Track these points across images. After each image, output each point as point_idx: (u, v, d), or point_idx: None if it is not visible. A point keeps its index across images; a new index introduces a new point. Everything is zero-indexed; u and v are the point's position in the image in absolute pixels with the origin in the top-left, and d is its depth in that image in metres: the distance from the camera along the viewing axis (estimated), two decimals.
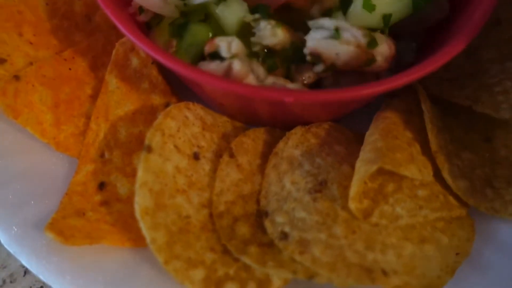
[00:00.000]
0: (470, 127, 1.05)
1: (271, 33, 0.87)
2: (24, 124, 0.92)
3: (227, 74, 0.85)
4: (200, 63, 0.88)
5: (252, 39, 0.88)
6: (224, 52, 0.85)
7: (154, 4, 0.90)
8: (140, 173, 0.82)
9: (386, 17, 0.92)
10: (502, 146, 1.01)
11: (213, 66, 0.85)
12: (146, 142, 0.85)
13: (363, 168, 0.84)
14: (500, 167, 0.98)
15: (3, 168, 0.92)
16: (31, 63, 1.01)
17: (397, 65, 1.02)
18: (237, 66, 0.84)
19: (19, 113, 0.92)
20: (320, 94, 0.81)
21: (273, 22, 0.88)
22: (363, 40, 0.85)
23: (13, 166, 0.93)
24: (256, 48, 0.88)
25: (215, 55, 0.87)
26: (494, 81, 1.05)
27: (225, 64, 0.85)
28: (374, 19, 0.91)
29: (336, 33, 0.84)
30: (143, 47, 0.83)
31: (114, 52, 0.99)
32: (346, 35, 0.85)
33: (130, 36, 0.82)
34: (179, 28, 0.92)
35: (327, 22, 0.85)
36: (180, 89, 1.04)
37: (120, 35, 1.06)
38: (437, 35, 1.05)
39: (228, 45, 0.86)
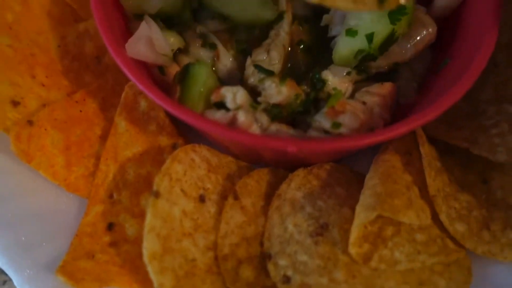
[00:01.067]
0: (468, 167, 1.08)
1: (277, 92, 0.91)
2: (37, 168, 0.96)
3: (232, 123, 0.89)
4: (206, 111, 0.92)
5: (259, 98, 0.92)
6: (229, 103, 0.89)
7: (146, 56, 0.95)
8: (148, 219, 0.85)
9: (369, 37, 0.98)
10: (499, 188, 1.04)
11: (219, 115, 0.89)
12: (154, 187, 0.88)
13: (363, 214, 0.87)
14: (496, 209, 1.01)
15: (16, 209, 0.96)
16: (43, 105, 1.05)
17: (398, 104, 1.06)
18: (242, 117, 0.87)
19: (32, 157, 0.95)
20: (322, 143, 0.84)
21: (277, 80, 0.92)
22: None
23: (25, 207, 0.97)
24: (262, 106, 0.92)
25: (221, 105, 0.90)
26: (491, 122, 1.08)
27: (230, 114, 0.89)
28: (359, 42, 0.99)
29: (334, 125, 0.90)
30: (149, 94, 0.86)
31: (123, 95, 1.03)
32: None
33: (136, 82, 0.86)
34: (181, 73, 0.96)
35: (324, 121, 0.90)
36: (186, 129, 1.08)
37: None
38: (438, 76, 1.09)
39: (234, 96, 0.89)
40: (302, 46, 1.11)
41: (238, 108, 0.89)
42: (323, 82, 0.97)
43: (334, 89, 0.97)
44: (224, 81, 1.08)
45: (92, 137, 1.04)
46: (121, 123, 1.02)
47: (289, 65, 1.11)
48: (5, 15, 1.10)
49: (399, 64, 1.07)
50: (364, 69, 1.05)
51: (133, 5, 1.01)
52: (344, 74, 0.97)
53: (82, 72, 1.12)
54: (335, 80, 0.97)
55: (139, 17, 1.03)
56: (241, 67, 1.09)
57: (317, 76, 0.97)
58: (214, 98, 0.91)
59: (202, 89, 0.93)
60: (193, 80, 0.94)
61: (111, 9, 1.00)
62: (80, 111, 1.04)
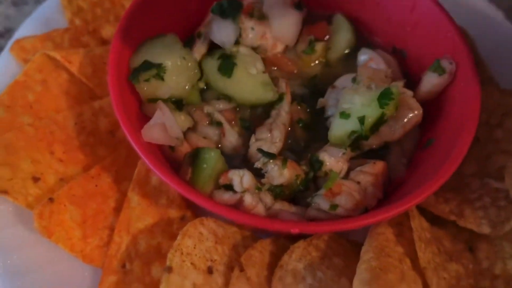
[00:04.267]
0: (456, 236, 1.16)
1: (279, 174, 1.01)
2: (56, 241, 1.03)
3: (239, 204, 0.97)
4: (215, 192, 1.00)
5: (263, 180, 1.01)
6: (237, 186, 0.98)
7: (160, 140, 1.04)
8: None
9: (361, 119, 1.07)
10: (484, 258, 1.12)
11: (227, 197, 0.98)
12: (168, 263, 0.95)
13: None
14: (482, 278, 1.09)
15: (33, 281, 1.02)
16: (61, 179, 1.13)
17: (389, 179, 1.15)
18: (248, 199, 0.96)
19: (52, 232, 1.02)
20: (322, 226, 0.93)
21: (279, 163, 1.02)
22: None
23: (44, 277, 1.03)
24: (266, 187, 1.01)
25: (229, 186, 0.99)
26: (475, 196, 1.17)
27: (237, 196, 0.98)
28: (352, 123, 1.08)
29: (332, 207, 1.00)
30: (166, 180, 0.95)
31: (136, 171, 1.11)
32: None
33: (154, 169, 0.95)
34: (192, 155, 1.05)
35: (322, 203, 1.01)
36: None
37: None
38: (426, 153, 1.19)
39: (240, 180, 0.99)
40: (300, 124, 1.21)
41: (244, 190, 0.98)
42: (321, 163, 1.06)
43: (330, 170, 1.06)
44: (229, 155, 1.17)
45: (106, 210, 1.11)
46: (134, 198, 1.10)
47: (289, 141, 1.21)
48: (26, 95, 1.19)
49: (389, 142, 1.17)
50: (357, 147, 1.14)
51: (147, 92, 1.11)
52: (340, 155, 1.07)
53: (97, 146, 1.20)
54: (332, 160, 1.06)
55: (152, 100, 1.12)
56: (246, 142, 1.19)
57: (314, 158, 1.06)
58: (222, 181, 1.00)
59: (211, 172, 1.02)
60: (203, 163, 1.03)
61: (127, 92, 1.10)
62: (96, 185, 1.11)
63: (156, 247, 1.09)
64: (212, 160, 1.02)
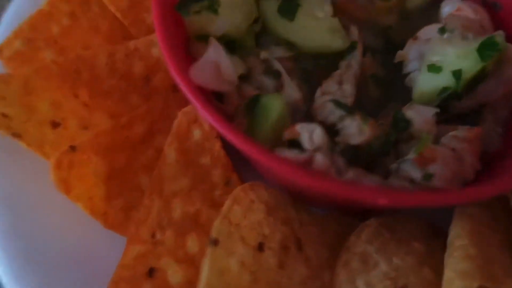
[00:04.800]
0: None
1: (358, 131, 0.79)
2: (75, 200, 0.84)
3: (307, 165, 0.77)
4: (277, 149, 0.79)
5: (337, 138, 0.80)
6: (306, 143, 0.78)
7: (212, 83, 0.84)
8: (205, 272, 0.73)
9: (456, 73, 0.87)
10: None
11: (293, 155, 0.77)
12: (213, 234, 0.76)
13: (459, 282, 0.73)
14: None
15: (46, 249, 0.84)
16: (84, 127, 0.94)
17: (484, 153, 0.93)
18: (320, 160, 0.76)
19: (71, 188, 0.83)
20: (415, 197, 0.72)
21: (358, 118, 0.80)
22: None
23: (57, 246, 0.85)
24: (340, 147, 0.80)
25: (295, 143, 0.78)
26: None
27: (306, 155, 0.77)
28: (444, 78, 0.89)
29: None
30: (218, 126, 0.75)
31: (176, 123, 0.92)
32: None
33: (206, 114, 0.75)
34: (250, 103, 0.85)
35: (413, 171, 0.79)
36: (238, 164, 0.96)
37: (179, 101, 0.99)
38: None
39: (310, 135, 0.78)
40: (374, 80, 0.99)
41: (315, 149, 0.77)
42: (407, 123, 0.85)
43: (419, 131, 0.84)
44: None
45: (137, 166, 0.93)
46: (171, 154, 0.91)
47: (360, 99, 0.99)
48: (51, 27, 1.01)
49: (484, 106, 0.95)
50: (445, 109, 0.93)
51: (198, 26, 0.91)
52: (431, 115, 0.85)
53: (129, 93, 1.01)
54: (421, 120, 0.85)
55: (202, 38, 0.92)
56: (307, 97, 0.98)
57: (399, 116, 0.85)
58: (287, 135, 0.80)
59: (275, 124, 0.81)
60: (264, 113, 0.83)
61: (173, 27, 0.90)
62: (126, 137, 0.92)
63: (194, 216, 0.89)
64: (276, 109, 0.82)
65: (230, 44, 0.97)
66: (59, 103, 0.93)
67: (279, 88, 0.98)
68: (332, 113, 0.85)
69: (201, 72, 0.82)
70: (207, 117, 0.75)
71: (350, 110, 0.84)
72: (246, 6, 0.98)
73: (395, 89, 1.02)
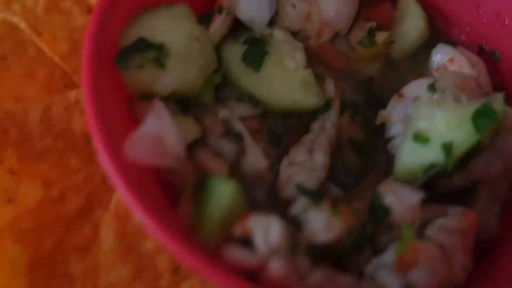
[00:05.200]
0: None
1: (325, 227, 0.65)
2: None
3: (261, 270, 0.62)
4: (226, 247, 0.65)
5: (300, 234, 0.66)
6: (259, 243, 0.63)
7: (152, 158, 0.70)
8: None
9: (446, 147, 0.74)
10: None
11: (243, 257, 0.63)
12: None
13: None
14: None
15: None
16: (9, 201, 0.79)
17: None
18: (277, 267, 0.61)
19: None
20: None
21: (327, 208, 0.66)
22: None
23: None
24: (304, 246, 0.66)
25: (247, 241, 0.64)
26: None
27: (260, 258, 0.63)
28: (431, 152, 0.75)
29: None
30: (145, 221, 0.61)
31: (115, 199, 0.77)
32: None
33: (121, 190, 0.61)
34: (194, 187, 0.71)
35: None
36: None
37: None
38: None
39: (265, 233, 0.63)
40: (353, 145, 0.86)
41: (271, 251, 0.63)
42: (387, 210, 0.71)
43: (401, 221, 0.71)
44: (250, 182, 0.83)
45: (68, 250, 0.78)
46: (109, 237, 0.76)
47: (335, 167, 0.86)
48: None
49: (478, 182, 0.82)
50: (432, 186, 0.79)
51: (140, 83, 0.76)
52: (415, 201, 0.71)
53: (67, 155, 0.87)
54: (403, 208, 0.71)
55: (147, 97, 0.78)
56: (274, 164, 0.85)
57: (378, 201, 0.71)
58: (238, 231, 0.65)
59: (222, 215, 0.67)
60: (211, 200, 0.68)
61: (109, 83, 0.75)
62: (57, 214, 0.78)
63: None
64: (224, 197, 0.67)
65: (183, 102, 0.83)
66: None
67: (241, 154, 0.84)
68: (293, 196, 0.71)
69: (138, 146, 0.68)
70: (133, 209, 0.61)
71: (316, 197, 0.70)
72: (202, 56, 0.83)
73: (376, 155, 0.89)
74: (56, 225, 0.78)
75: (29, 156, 0.84)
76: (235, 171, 0.83)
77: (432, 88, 0.86)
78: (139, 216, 0.61)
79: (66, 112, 0.88)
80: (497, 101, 0.76)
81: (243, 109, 0.86)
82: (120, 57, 0.75)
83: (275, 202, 0.82)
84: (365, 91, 0.95)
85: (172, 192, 0.78)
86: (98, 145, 0.65)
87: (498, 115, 0.74)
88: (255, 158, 0.83)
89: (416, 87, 0.89)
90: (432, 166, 0.75)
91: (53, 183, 0.84)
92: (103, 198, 0.84)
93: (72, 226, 0.80)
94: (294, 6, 0.92)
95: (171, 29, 0.81)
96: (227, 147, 0.83)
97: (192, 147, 0.82)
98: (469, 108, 0.76)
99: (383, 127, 0.89)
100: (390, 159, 0.84)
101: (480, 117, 0.74)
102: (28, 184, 0.83)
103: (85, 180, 0.84)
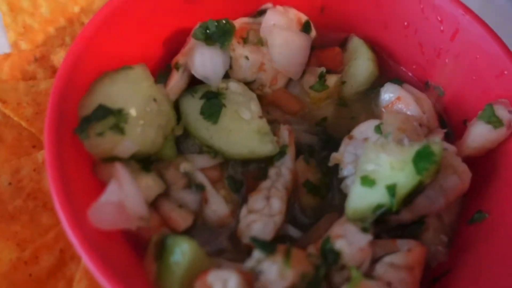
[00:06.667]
0: None
1: (279, 276, 0.71)
2: None
3: None
4: None
5: (256, 284, 0.71)
6: None
7: (116, 224, 0.74)
8: None
9: (391, 189, 0.79)
10: None
11: None
12: None
13: None
14: None
15: None
16: None
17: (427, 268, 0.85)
18: None
19: None
20: None
21: (280, 259, 0.72)
22: None
23: None
24: None
25: None
26: None
27: None
28: (377, 194, 0.80)
29: None
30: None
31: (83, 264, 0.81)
32: None
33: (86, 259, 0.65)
34: (157, 246, 0.76)
35: None
36: None
37: None
38: (473, 231, 0.90)
39: (224, 287, 0.68)
40: (308, 187, 0.91)
41: None
42: (337, 255, 0.77)
43: (351, 262, 0.76)
44: (213, 229, 0.89)
45: None
46: None
47: (292, 209, 0.91)
48: None
49: (425, 216, 0.88)
50: (382, 221, 0.85)
51: (101, 150, 0.81)
52: (363, 244, 0.77)
53: (38, 214, 0.91)
54: (352, 251, 0.77)
55: (109, 160, 0.83)
56: (235, 209, 0.90)
57: (328, 246, 0.77)
58: (198, 287, 0.70)
59: (182, 274, 0.71)
60: (171, 259, 0.73)
61: (71, 149, 0.80)
62: (30, 275, 0.82)
63: None
64: (184, 256, 0.72)
65: (145, 160, 0.88)
66: None
67: (203, 203, 0.89)
68: (251, 243, 0.77)
69: (101, 214, 0.72)
70: (96, 277, 0.65)
71: (270, 248, 0.75)
72: (161, 116, 0.88)
73: (331, 194, 0.94)
74: (30, 285, 0.82)
75: (1, 219, 0.88)
76: (198, 219, 0.89)
77: (378, 129, 0.92)
78: (103, 284, 0.65)
79: (35, 172, 0.93)
80: (435, 144, 0.81)
81: (204, 160, 0.91)
82: (81, 127, 0.79)
83: (238, 247, 0.87)
84: (320, 132, 1.01)
85: (140, 243, 0.83)
86: (61, 215, 0.70)
87: (436, 157, 0.79)
88: (217, 206, 0.89)
89: (365, 129, 0.95)
90: (379, 207, 0.81)
91: (26, 243, 0.87)
92: (74, 253, 0.87)
93: (46, 285, 0.83)
94: (247, 58, 0.97)
95: (129, 93, 0.85)
96: (190, 198, 0.89)
97: (156, 200, 0.87)
98: (410, 151, 0.81)
99: (336, 167, 0.94)
100: (344, 197, 0.90)
101: (420, 159, 0.79)
102: (2, 245, 0.86)
103: (56, 237, 0.88)
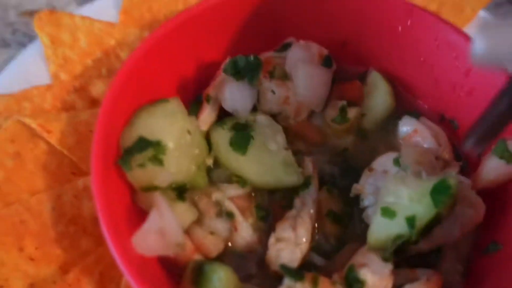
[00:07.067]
0: None
1: None
2: None
3: None
4: None
5: None
6: None
7: (157, 250, 0.81)
8: None
9: (410, 220, 0.84)
10: None
11: None
12: None
13: None
14: None
15: None
16: (31, 285, 0.90)
17: None
18: None
19: None
20: None
21: (309, 284, 0.78)
22: None
23: None
24: None
25: None
26: None
27: None
28: (397, 225, 0.85)
29: None
30: None
31: (123, 283, 0.88)
32: None
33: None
34: (194, 271, 0.82)
35: None
36: None
37: None
38: (489, 262, 0.95)
39: None
40: (331, 217, 0.97)
41: None
42: (361, 283, 0.82)
43: None
44: (242, 254, 0.95)
45: None
46: None
47: (317, 237, 0.97)
48: None
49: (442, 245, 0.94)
50: (402, 250, 0.91)
51: (141, 180, 0.87)
52: (386, 272, 0.83)
53: (78, 238, 0.97)
54: (376, 279, 0.83)
55: (148, 189, 0.89)
56: (262, 237, 0.96)
57: (352, 275, 0.83)
58: None
59: None
60: (209, 285, 0.79)
61: (114, 180, 0.87)
62: None
63: None
64: (221, 283, 0.79)
65: (180, 188, 0.94)
66: (2, 261, 0.89)
67: (233, 230, 0.95)
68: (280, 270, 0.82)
69: (145, 241, 0.79)
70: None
71: (298, 274, 0.81)
72: (194, 147, 0.95)
73: (353, 223, 1.00)
74: None
75: (45, 243, 0.94)
76: (228, 245, 0.95)
77: (397, 162, 0.98)
78: None
79: (76, 199, 0.99)
80: (451, 178, 0.87)
81: (233, 190, 0.97)
82: (124, 159, 0.86)
83: (267, 272, 0.93)
84: (341, 163, 1.07)
85: (176, 269, 0.89)
86: (108, 240, 0.76)
87: (452, 190, 0.84)
88: (245, 233, 0.95)
89: (384, 161, 1.01)
90: (399, 237, 0.86)
91: (68, 265, 0.94)
92: (115, 274, 0.94)
93: None
94: (273, 92, 1.04)
95: (165, 125, 0.92)
96: (221, 226, 0.95)
97: (190, 228, 0.93)
98: (427, 185, 0.87)
99: (357, 197, 1.00)
100: (365, 226, 0.96)
101: (437, 192, 0.85)
102: (46, 268, 0.93)
103: (96, 261, 0.94)
